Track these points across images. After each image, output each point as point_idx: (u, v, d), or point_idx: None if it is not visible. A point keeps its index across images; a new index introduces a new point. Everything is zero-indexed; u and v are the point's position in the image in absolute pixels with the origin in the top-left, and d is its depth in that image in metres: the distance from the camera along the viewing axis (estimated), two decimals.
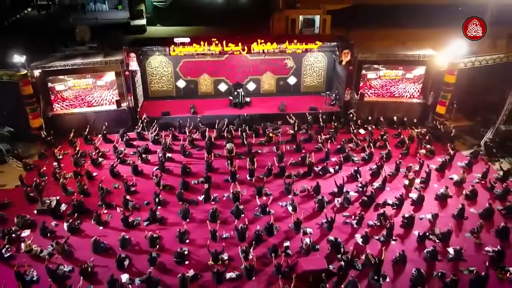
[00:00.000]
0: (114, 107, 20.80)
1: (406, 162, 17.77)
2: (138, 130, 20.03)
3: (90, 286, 11.66)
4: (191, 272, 12.04)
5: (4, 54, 18.37)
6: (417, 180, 16.71)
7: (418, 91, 22.15)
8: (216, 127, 20.28)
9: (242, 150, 18.77)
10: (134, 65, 19.80)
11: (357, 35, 21.83)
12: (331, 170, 17.41)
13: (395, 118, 21.52)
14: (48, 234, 13.54)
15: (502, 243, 13.25)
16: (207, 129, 19.81)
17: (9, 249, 12.80)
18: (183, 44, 19.66)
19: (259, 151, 18.85)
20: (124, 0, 33.43)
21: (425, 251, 13.03)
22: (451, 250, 13.03)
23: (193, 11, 29.77)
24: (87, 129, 19.73)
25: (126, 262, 12.48)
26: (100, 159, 18.02)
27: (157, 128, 20.15)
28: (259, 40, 19.95)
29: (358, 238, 13.69)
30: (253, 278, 12.06)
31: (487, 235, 13.93)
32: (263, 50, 20.22)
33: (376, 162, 17.60)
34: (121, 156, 17.95)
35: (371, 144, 18.81)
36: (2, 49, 18.99)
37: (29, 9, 32.24)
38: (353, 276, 11.80)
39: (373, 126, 21.05)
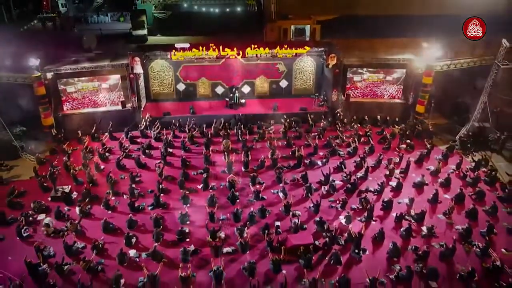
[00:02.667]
0: (119, 107, 22.32)
1: (387, 156, 19.34)
2: (142, 129, 21.55)
3: (102, 260, 13.06)
4: (191, 248, 13.43)
5: (18, 59, 19.85)
6: (397, 171, 18.22)
7: (398, 91, 23.89)
8: (213, 125, 21.83)
9: (237, 146, 20.27)
10: (138, 68, 21.43)
11: (344, 43, 23.47)
12: (319, 162, 18.96)
13: (378, 117, 23.17)
14: (66, 216, 15.00)
15: (470, 222, 14.77)
16: (205, 126, 21.46)
17: (27, 229, 14.23)
18: (183, 49, 21.42)
19: (253, 146, 20.36)
20: (125, 13, 35.34)
21: (401, 229, 14.53)
22: (424, 228, 14.54)
23: (191, 22, 31.55)
24: (94, 128, 21.22)
25: (134, 240, 13.88)
26: (107, 154, 19.46)
27: (159, 127, 21.65)
28: (253, 45, 21.78)
29: (342, 218, 15.18)
30: (247, 252, 13.47)
31: (458, 216, 15.45)
32: (257, 54, 22.02)
33: (359, 155, 19.17)
34: (126, 151, 19.42)
35: (356, 140, 20.40)
36: (15, 56, 20.42)
37: (35, 21, 34.00)
38: (336, 249, 13.31)
39: (358, 124, 22.65)
